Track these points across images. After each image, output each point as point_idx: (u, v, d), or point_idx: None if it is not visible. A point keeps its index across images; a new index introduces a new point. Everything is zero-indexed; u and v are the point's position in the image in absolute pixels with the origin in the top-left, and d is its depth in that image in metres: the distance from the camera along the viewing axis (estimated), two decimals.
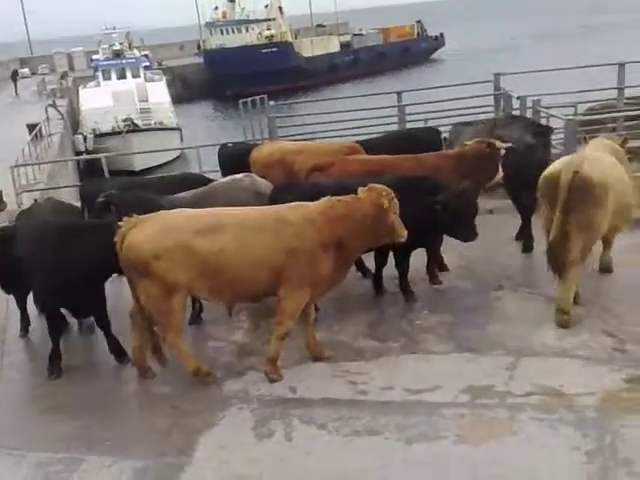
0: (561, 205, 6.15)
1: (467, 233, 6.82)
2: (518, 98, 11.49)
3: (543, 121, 10.47)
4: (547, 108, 10.92)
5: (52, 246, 5.98)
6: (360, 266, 7.64)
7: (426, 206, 6.61)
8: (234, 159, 9.67)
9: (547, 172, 6.51)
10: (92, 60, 45.24)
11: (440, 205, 6.64)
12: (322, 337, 6.31)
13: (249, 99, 13.92)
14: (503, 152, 7.63)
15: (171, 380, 5.98)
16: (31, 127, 23.03)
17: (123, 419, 5.55)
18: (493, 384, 5.49)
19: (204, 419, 5.39)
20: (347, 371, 5.89)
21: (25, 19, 70.30)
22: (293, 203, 5.94)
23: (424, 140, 9.23)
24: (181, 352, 5.85)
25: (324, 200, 5.81)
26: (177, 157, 30.21)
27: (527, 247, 8.19)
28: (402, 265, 7.09)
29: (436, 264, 7.67)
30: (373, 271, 7.43)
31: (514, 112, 11.67)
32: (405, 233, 5.83)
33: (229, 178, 7.82)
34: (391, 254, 7.10)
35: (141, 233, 5.57)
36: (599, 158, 6.54)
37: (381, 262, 7.29)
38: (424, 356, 6.06)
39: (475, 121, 10.29)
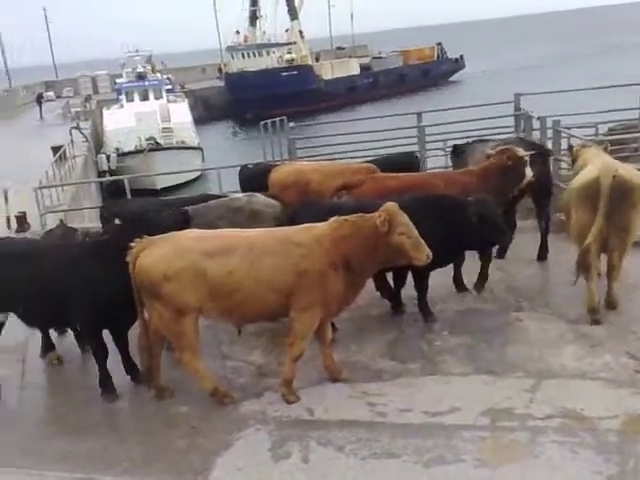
0: (604, 209, 6.41)
1: (504, 235, 6.98)
2: (538, 119, 11.45)
3: (564, 141, 10.42)
4: (567, 128, 10.86)
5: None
6: (381, 286, 7.59)
7: (448, 223, 6.67)
8: (254, 180, 9.75)
9: (583, 180, 6.73)
10: (116, 83, 46.10)
11: (476, 215, 6.68)
12: (340, 358, 6.29)
13: (269, 120, 14.07)
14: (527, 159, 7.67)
15: (189, 400, 5.98)
16: (55, 149, 23.43)
17: (140, 439, 5.55)
18: (513, 406, 5.42)
19: (221, 440, 5.38)
20: (365, 392, 5.85)
21: (50, 42, 72.06)
22: (304, 225, 5.96)
23: (403, 164, 9.25)
24: (198, 372, 5.87)
25: (332, 220, 5.81)
26: (198, 177, 30.57)
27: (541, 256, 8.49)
28: (421, 285, 7.06)
29: (456, 285, 7.70)
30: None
31: (534, 132, 11.64)
32: (425, 256, 5.67)
33: (230, 197, 7.91)
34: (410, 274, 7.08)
35: (152, 255, 5.63)
36: (623, 164, 6.88)
37: (400, 282, 7.27)
38: (443, 378, 6.01)
39: (488, 139, 10.32)
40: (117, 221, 7.00)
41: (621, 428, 5.02)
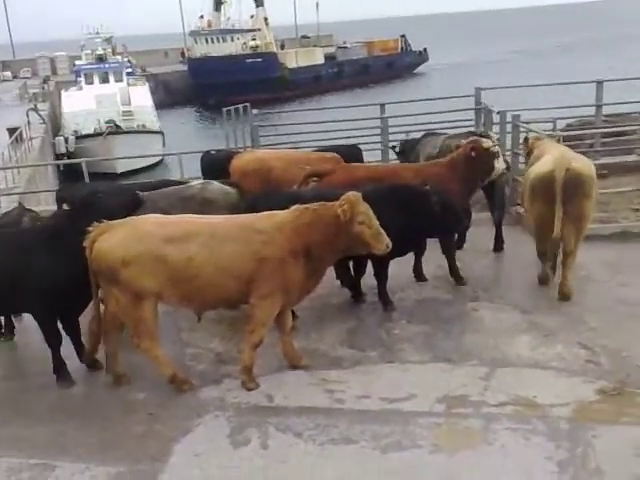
0: (560, 201, 6.72)
1: (462, 223, 7.21)
2: (498, 113, 11.64)
3: (522, 135, 10.62)
4: (526, 123, 11.07)
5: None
6: (341, 274, 7.64)
7: (410, 211, 6.76)
8: (216, 166, 9.67)
9: (538, 171, 7.03)
10: (75, 65, 44.99)
11: (438, 203, 6.80)
12: (300, 345, 6.32)
13: (232, 107, 13.95)
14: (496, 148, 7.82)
15: (147, 387, 5.93)
16: (11, 131, 22.83)
17: (97, 425, 5.48)
18: (468, 394, 5.53)
19: (179, 426, 5.36)
20: (324, 379, 5.90)
21: (8, 21, 69.89)
22: (265, 212, 5.95)
23: (348, 156, 9.29)
24: (157, 359, 5.82)
25: (293, 208, 5.81)
26: (159, 162, 30.15)
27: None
28: (380, 274, 7.13)
29: (416, 274, 7.84)
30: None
31: (494, 126, 11.84)
32: (384, 245, 5.71)
33: (184, 185, 7.79)
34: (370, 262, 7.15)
35: (110, 239, 5.55)
36: (577, 156, 7.24)
37: (360, 270, 7.34)
38: (401, 365, 6.09)
39: (439, 133, 10.57)
40: (65, 206, 6.82)
41: (572, 415, 5.18)
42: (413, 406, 5.42)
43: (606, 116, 13.07)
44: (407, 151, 10.07)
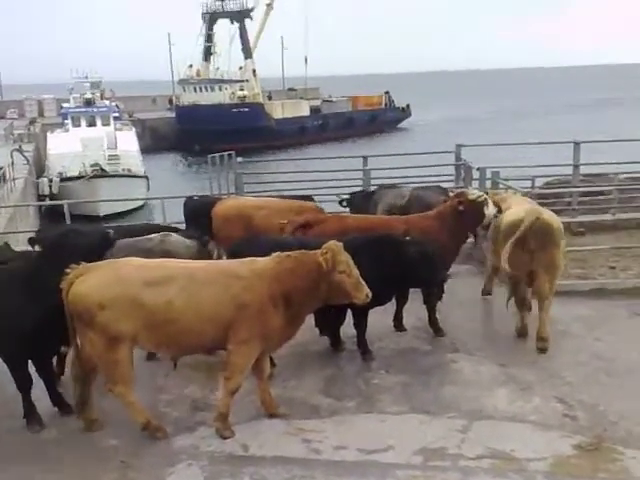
0: (519, 237, 7.16)
1: (442, 275, 7.22)
2: (478, 169, 11.91)
3: (501, 192, 10.85)
4: (506, 180, 11.33)
5: None
6: (321, 322, 7.63)
7: (390, 262, 6.80)
8: (198, 212, 9.72)
9: (510, 220, 7.47)
10: (62, 107, 45.29)
11: (417, 253, 6.84)
12: (277, 393, 6.26)
13: (217, 154, 14.10)
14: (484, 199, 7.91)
15: (119, 433, 5.81)
16: None
17: (68, 472, 5.34)
18: (446, 446, 5.50)
19: (153, 474, 5.24)
20: (301, 429, 5.83)
21: None
22: (246, 258, 5.96)
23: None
24: (130, 405, 5.71)
25: (274, 255, 5.83)
26: (142, 205, 30.11)
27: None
28: (360, 323, 7.14)
29: (396, 323, 7.89)
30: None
31: (473, 182, 12.10)
32: (364, 295, 5.71)
33: (142, 237, 7.64)
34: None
35: (87, 282, 5.50)
36: (545, 209, 7.70)
37: (339, 319, 7.33)
38: (379, 416, 6.05)
39: (398, 185, 11.01)
40: (37, 247, 6.72)
41: (549, 470, 5.16)
42: (391, 458, 5.36)
43: (584, 175, 13.42)
44: (356, 203, 10.19)
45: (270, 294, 5.63)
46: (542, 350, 7.22)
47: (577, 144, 13.05)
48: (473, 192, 8.03)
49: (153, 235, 7.64)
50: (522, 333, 7.64)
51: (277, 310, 5.65)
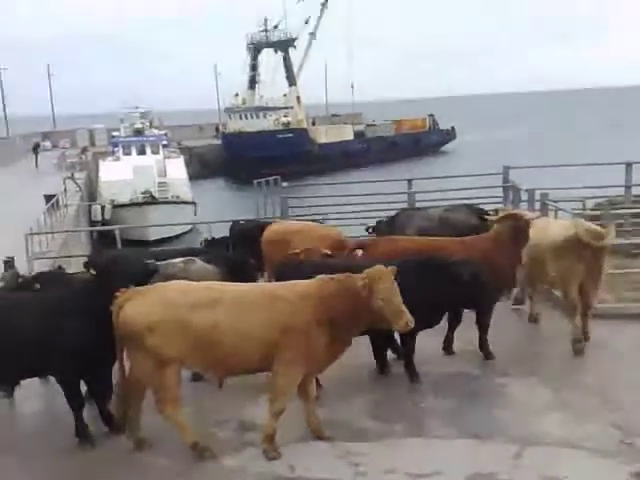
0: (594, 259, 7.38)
1: (493, 296, 7.24)
2: (526, 191, 11.74)
3: (551, 214, 10.66)
4: (555, 202, 11.13)
5: None
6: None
7: (436, 284, 6.73)
8: (244, 236, 9.91)
9: (560, 235, 7.58)
10: (113, 136, 46.73)
11: (469, 275, 6.77)
12: (324, 415, 6.21)
13: (263, 179, 14.32)
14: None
15: (168, 452, 5.86)
16: (48, 197, 23.56)
17: None
18: (496, 472, 5.35)
19: None
20: (348, 451, 5.77)
21: (51, 94, 73.49)
22: (290, 281, 6.00)
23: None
24: (179, 425, 5.77)
25: (318, 278, 5.85)
26: (190, 229, 30.76)
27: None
28: (407, 346, 7.06)
29: (446, 346, 7.83)
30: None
31: (522, 204, 11.92)
32: (405, 323, 5.59)
33: (175, 260, 7.69)
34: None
35: (136, 305, 5.63)
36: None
37: (386, 342, 7.27)
38: (427, 440, 5.95)
39: (422, 208, 10.91)
40: (92, 271, 6.92)
41: None
42: None
43: (635, 196, 13.10)
44: (383, 228, 10.19)
45: (314, 317, 5.64)
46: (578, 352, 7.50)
47: (629, 165, 12.77)
48: (525, 212, 8.03)
49: (177, 260, 7.71)
50: (578, 351, 7.55)
51: (321, 332, 5.65)
